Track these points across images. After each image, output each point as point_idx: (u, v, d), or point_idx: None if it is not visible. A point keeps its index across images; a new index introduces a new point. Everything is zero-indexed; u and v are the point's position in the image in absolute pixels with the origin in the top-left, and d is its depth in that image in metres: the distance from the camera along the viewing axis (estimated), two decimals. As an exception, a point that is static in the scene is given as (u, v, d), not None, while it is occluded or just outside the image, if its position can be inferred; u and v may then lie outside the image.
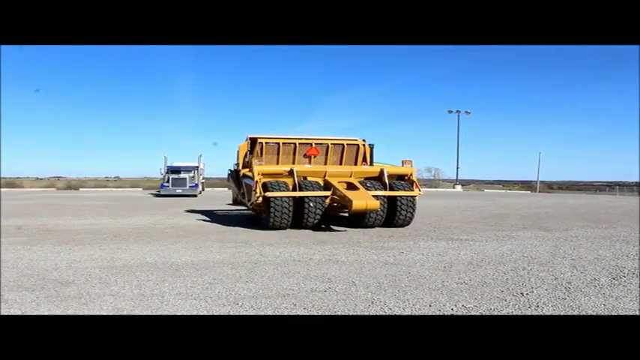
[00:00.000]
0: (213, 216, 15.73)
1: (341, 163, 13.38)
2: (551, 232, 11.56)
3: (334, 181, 11.83)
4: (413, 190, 12.08)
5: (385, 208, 11.75)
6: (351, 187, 11.83)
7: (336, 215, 12.92)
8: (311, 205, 11.21)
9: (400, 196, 11.83)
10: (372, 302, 5.06)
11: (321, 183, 11.90)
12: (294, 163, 13.01)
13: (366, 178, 12.38)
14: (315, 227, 11.80)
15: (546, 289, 5.65)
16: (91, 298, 5.16)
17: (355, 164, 13.45)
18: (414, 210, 12.02)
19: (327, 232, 11.05)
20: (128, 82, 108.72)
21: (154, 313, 4.65)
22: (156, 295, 5.30)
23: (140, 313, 4.65)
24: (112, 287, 5.68)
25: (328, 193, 11.53)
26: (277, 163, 12.92)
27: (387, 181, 12.06)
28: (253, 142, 13.24)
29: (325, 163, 13.22)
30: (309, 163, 13.19)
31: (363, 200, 10.90)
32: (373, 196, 11.33)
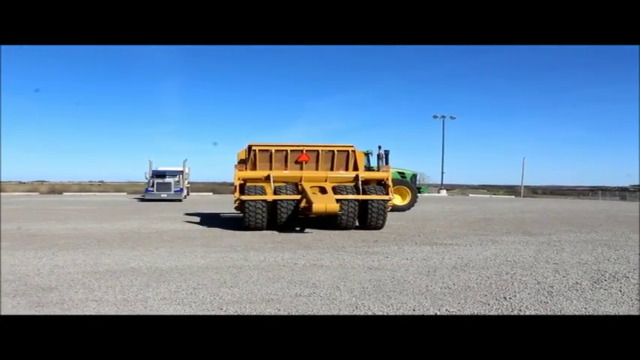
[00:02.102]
0: (198, 220, 15.66)
1: (332, 169, 13.71)
2: (535, 236, 11.70)
3: (307, 186, 12.57)
4: (386, 195, 12.65)
5: (356, 211, 12.47)
6: (322, 191, 12.61)
7: (313, 218, 13.26)
8: (283, 207, 12.13)
9: (371, 200, 12.48)
10: (357, 307, 5.08)
11: (299, 187, 12.73)
12: (286, 169, 13.57)
13: (359, 182, 12.93)
14: (298, 231, 11.88)
15: (529, 293, 5.72)
16: (74, 304, 5.11)
17: (346, 170, 13.68)
18: (384, 213, 12.71)
19: (312, 237, 11.07)
20: (113, 84, 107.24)
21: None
22: (140, 301, 5.26)
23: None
24: (95, 293, 5.63)
25: (298, 196, 12.32)
26: (270, 169, 13.37)
27: (360, 185, 12.87)
28: (250, 149, 13.67)
29: (317, 169, 13.65)
30: (301, 169, 13.63)
31: (323, 203, 11.72)
32: (339, 199, 12.06)
